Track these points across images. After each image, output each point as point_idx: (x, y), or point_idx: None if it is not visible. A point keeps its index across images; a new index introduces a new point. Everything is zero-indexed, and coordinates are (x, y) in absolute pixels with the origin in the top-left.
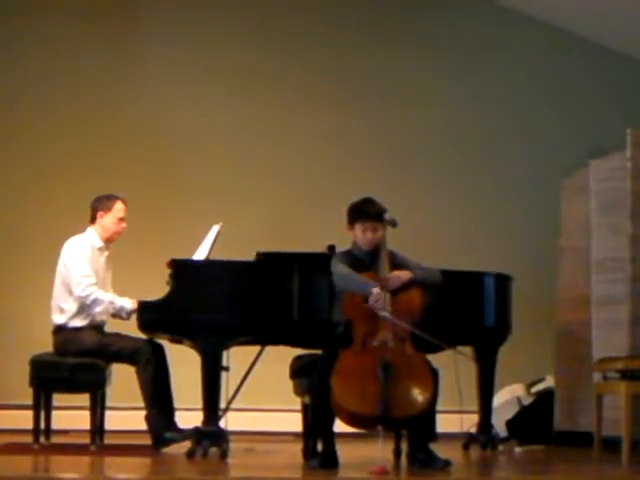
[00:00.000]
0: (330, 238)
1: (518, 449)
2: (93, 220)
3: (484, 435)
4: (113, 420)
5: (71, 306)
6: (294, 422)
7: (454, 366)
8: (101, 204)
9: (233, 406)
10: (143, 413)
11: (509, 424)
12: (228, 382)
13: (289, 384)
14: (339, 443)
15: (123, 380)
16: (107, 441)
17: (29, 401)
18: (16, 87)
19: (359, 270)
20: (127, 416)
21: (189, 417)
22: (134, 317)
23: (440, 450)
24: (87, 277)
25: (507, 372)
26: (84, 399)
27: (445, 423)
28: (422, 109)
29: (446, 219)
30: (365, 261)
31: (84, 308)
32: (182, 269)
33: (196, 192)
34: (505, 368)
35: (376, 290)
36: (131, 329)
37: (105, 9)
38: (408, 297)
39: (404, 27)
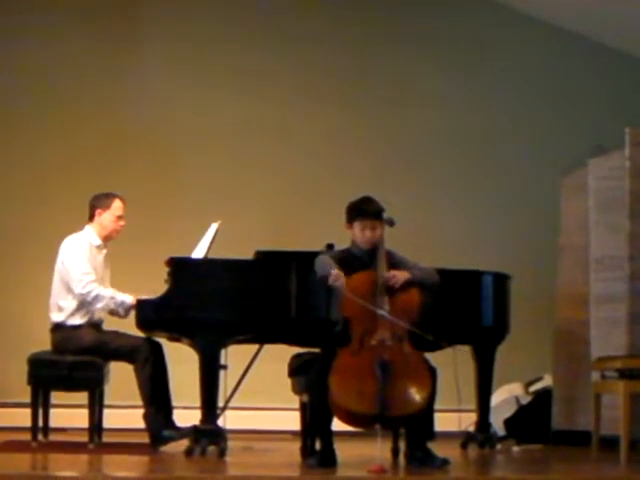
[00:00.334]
0: (329, 237)
1: (516, 448)
2: (91, 218)
3: (482, 434)
4: (111, 418)
5: (70, 304)
6: (292, 420)
7: (452, 365)
8: (99, 202)
9: (231, 404)
10: (141, 411)
11: (507, 423)
12: (226, 380)
13: (287, 382)
14: (337, 442)
15: (121, 378)
16: (105, 439)
17: (27, 399)
18: (15, 85)
19: (357, 269)
20: (125, 414)
21: (187, 415)
22: (132, 315)
23: (438, 449)
24: (87, 274)
25: (505, 371)
26: (82, 397)
27: (443, 422)
28: (421, 108)
29: (445, 218)
30: (363, 260)
31: (84, 305)
32: (180, 267)
33: (195, 190)
34: (503, 367)
35: (334, 270)
36: (129, 327)
37: (105, 7)
38: (406, 297)
39: (405, 26)
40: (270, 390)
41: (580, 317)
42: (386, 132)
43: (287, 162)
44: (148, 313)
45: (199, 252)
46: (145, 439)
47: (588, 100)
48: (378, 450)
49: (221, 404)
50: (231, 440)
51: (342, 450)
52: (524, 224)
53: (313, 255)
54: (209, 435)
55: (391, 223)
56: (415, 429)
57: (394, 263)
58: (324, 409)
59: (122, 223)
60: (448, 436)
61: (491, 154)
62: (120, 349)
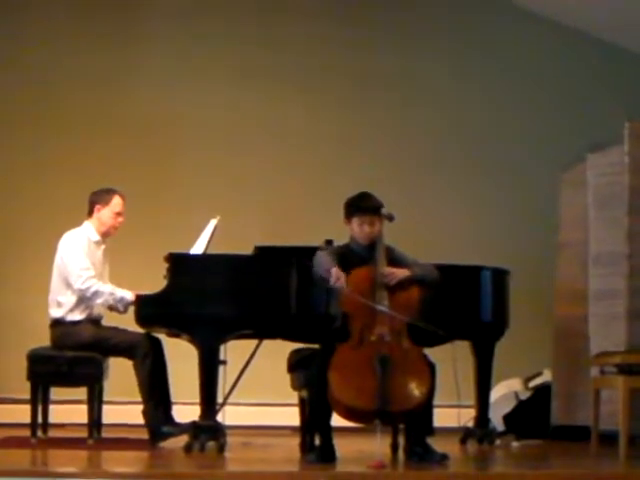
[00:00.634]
0: (328, 232)
1: (515, 443)
2: (90, 214)
3: (481, 429)
4: (110, 414)
5: (69, 300)
6: (291, 416)
7: (451, 360)
8: (99, 198)
9: (230, 400)
10: (140, 407)
11: (506, 418)
12: (225, 376)
13: (286, 378)
14: (336, 437)
15: (120, 374)
16: (104, 435)
17: (27, 395)
18: (14, 81)
19: (356, 264)
20: (124, 410)
21: (186, 411)
22: (131, 311)
23: (437, 444)
24: (86, 270)
25: (504, 366)
26: (81, 393)
27: (442, 417)
28: (420, 104)
29: (444, 213)
30: (362, 255)
31: (83, 301)
32: (179, 263)
33: (194, 186)
34: (502, 362)
35: (334, 269)
36: (129, 323)
37: (105, 4)
38: (406, 294)
39: (407, 24)
40: (269, 386)
41: (579, 313)
42: (385, 128)
43: (286, 158)
44: (147, 309)
45: (198, 248)
46: (144, 435)
47: (587, 96)
48: (377, 445)
49: (220, 400)
50: (230, 436)
51: (341, 446)
52: (523, 220)
53: (312, 250)
54: (208, 431)
55: (390, 218)
56: (414, 424)
57: (393, 259)
58: (323, 405)
59: (121, 220)
60: (447, 431)
61: (490, 150)
62: (119, 345)
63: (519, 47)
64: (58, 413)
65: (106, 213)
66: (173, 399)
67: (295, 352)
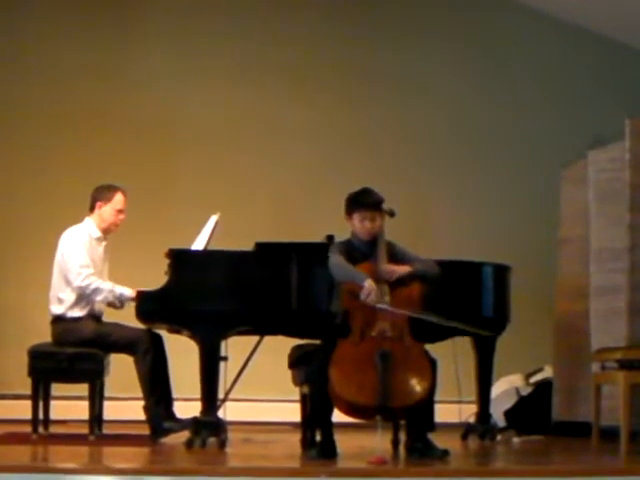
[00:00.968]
0: (330, 228)
1: (516, 439)
2: (92, 210)
3: (482, 425)
4: (112, 410)
5: (69, 296)
6: (292, 412)
7: (453, 356)
8: (101, 194)
9: (231, 396)
10: (141, 403)
11: (507, 414)
12: (226, 372)
13: (287, 374)
14: (337, 433)
15: (121, 370)
16: (106, 431)
17: (28, 391)
18: (14, 79)
19: (358, 260)
20: (125, 406)
21: (187, 407)
22: (130, 306)
23: (438, 440)
24: (86, 267)
25: (506, 362)
26: (83, 389)
27: (443, 413)
28: (422, 100)
29: (445, 209)
30: (364, 251)
31: (83, 298)
32: (180, 259)
33: (195, 182)
34: (504, 358)
35: (368, 283)
36: (130, 319)
37: (106, 1)
38: (407, 290)
39: (406, 20)
40: (270, 382)
41: (580, 308)
42: (387, 124)
43: (287, 155)
44: (148, 305)
45: (199, 244)
46: (145, 431)
47: (588, 93)
48: (378, 441)
49: (221, 396)
50: (231, 432)
51: (342, 441)
52: (524, 216)
53: (313, 246)
54: (209, 427)
55: (391, 214)
56: (415, 420)
57: (394, 254)
58: (324, 400)
59: (122, 217)
60: (448, 427)
61: (491, 146)
62: (120, 341)
63: (519, 44)
64: (59, 409)
65: (107, 210)
66: (174, 395)
67: (296, 348)
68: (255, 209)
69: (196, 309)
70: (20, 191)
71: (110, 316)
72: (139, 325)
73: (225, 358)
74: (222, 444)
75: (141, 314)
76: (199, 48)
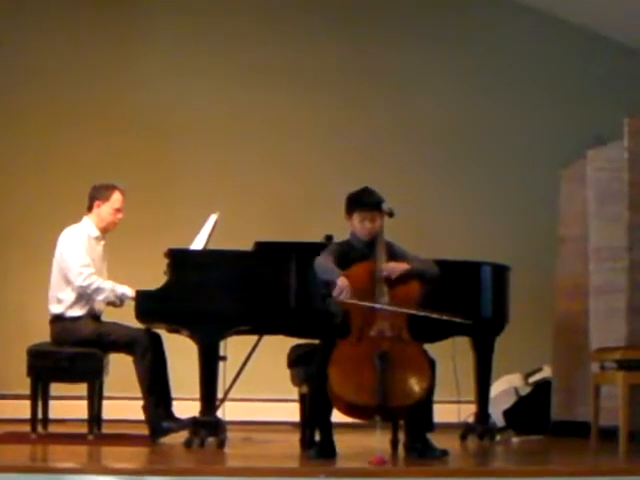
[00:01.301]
0: (329, 228)
1: (515, 439)
2: (90, 209)
3: (481, 425)
4: (111, 410)
5: (69, 296)
6: (292, 412)
7: (451, 356)
8: (99, 193)
9: (230, 396)
10: (140, 403)
11: (506, 414)
12: (225, 372)
13: (286, 374)
14: (336, 433)
15: (120, 370)
16: (104, 431)
17: (27, 391)
18: (14, 77)
19: (356, 260)
20: (124, 406)
21: (186, 407)
22: (129, 306)
23: (437, 440)
24: (87, 266)
25: (504, 362)
26: (82, 389)
27: (442, 413)
28: (420, 99)
29: (444, 209)
30: (363, 251)
31: (83, 297)
32: (179, 259)
33: (194, 182)
34: (502, 358)
35: (340, 280)
36: (129, 319)
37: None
38: (405, 288)
39: (406, 20)
40: (269, 381)
41: (579, 308)
42: (386, 125)
43: (286, 153)
44: (147, 304)
45: (198, 243)
46: (144, 430)
47: (587, 91)
48: (377, 441)
49: (220, 395)
50: (230, 431)
51: (341, 441)
52: (523, 215)
53: (312, 246)
54: (208, 426)
55: (391, 214)
56: (414, 420)
57: (394, 255)
58: (323, 400)
59: (120, 216)
60: (447, 427)
61: (490, 146)
62: (119, 340)
63: (518, 43)
64: (58, 409)
65: (105, 209)
66: (173, 395)
67: (295, 348)
68: (254, 209)
69: (195, 309)
70: (19, 190)
71: (109, 315)
72: (138, 325)
73: (224, 358)
74: (221, 444)
75: (140, 314)
76: (200, 48)
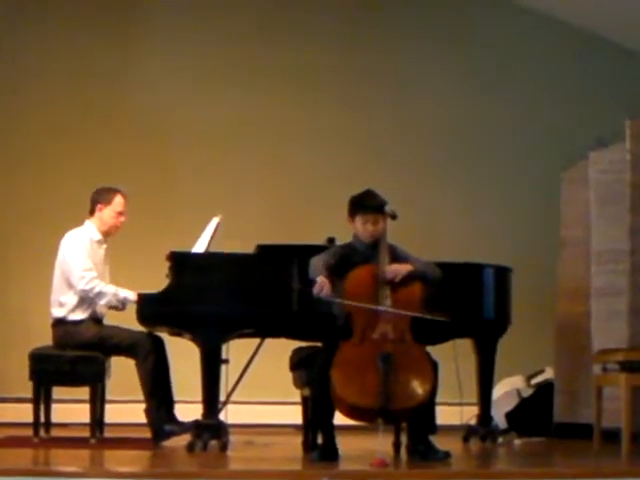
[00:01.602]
0: (331, 231)
1: (518, 441)
2: (92, 212)
3: (484, 427)
4: (113, 413)
5: (71, 299)
6: (294, 414)
7: (454, 358)
8: (101, 197)
9: (233, 399)
10: (143, 406)
11: (509, 416)
12: (228, 375)
13: (289, 376)
14: (339, 436)
15: (123, 373)
16: (107, 434)
17: (29, 394)
18: (14, 81)
19: (358, 263)
20: (127, 409)
21: (189, 410)
22: (131, 309)
23: (440, 442)
24: (89, 270)
25: (507, 364)
26: (84, 392)
27: (445, 415)
28: (421, 102)
29: (446, 211)
30: (365, 254)
31: (85, 301)
32: (181, 262)
33: (196, 185)
34: (505, 360)
35: (320, 278)
36: (131, 322)
37: (105, 2)
38: (408, 290)
39: (407, 21)
40: (272, 384)
41: (581, 310)
42: (386, 126)
43: (288, 156)
44: (149, 308)
45: (200, 246)
46: (147, 434)
47: (588, 93)
48: (380, 444)
49: (223, 398)
50: (233, 434)
51: (344, 444)
52: (525, 217)
53: (315, 249)
54: (211, 429)
55: (394, 216)
56: (417, 422)
57: (396, 257)
58: (326, 403)
59: (122, 219)
60: (450, 429)
61: (492, 148)
62: (121, 344)
63: (520, 45)
64: (60, 412)
65: (108, 212)
66: (175, 398)
67: (297, 350)
68: (256, 211)
69: (197, 312)
70: (21, 194)
71: (111, 318)
72: (140, 328)
73: (226, 361)
74: (224, 447)
75: (142, 317)
76: (200, 50)
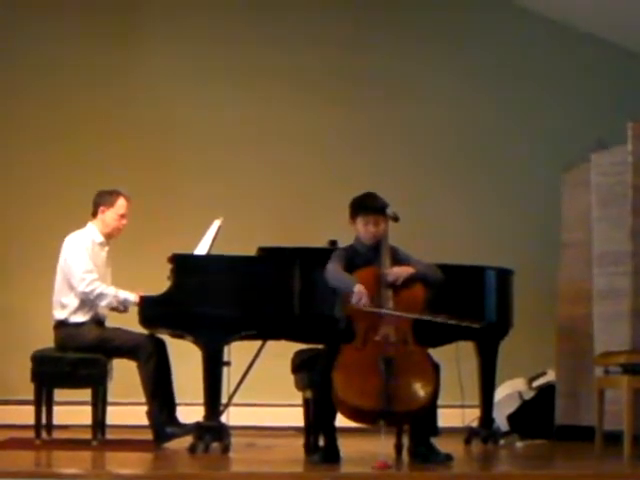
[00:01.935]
0: (333, 233)
1: (519, 443)
2: (94, 215)
3: (485, 429)
4: (115, 415)
5: (72, 301)
6: (296, 417)
7: (455, 361)
8: (103, 199)
9: (234, 401)
10: (144, 408)
11: (510, 418)
12: (229, 377)
13: (290, 379)
14: (341, 438)
15: (124, 375)
16: (109, 436)
17: (31, 396)
18: (16, 82)
19: (360, 265)
20: (128, 411)
21: (191, 412)
22: (133, 311)
23: (442, 444)
24: (90, 272)
25: (508, 366)
26: (86, 394)
27: (447, 417)
28: (423, 104)
29: (447, 214)
30: (367, 256)
31: (86, 303)
32: (183, 264)
33: (197, 187)
34: (506, 362)
35: (357, 288)
36: (132, 324)
37: (106, 4)
38: (410, 292)
39: (404, 23)
40: (273, 386)
41: (583, 312)
42: (388, 128)
43: (289, 158)
44: (151, 310)
45: (202, 249)
46: (149, 436)
47: (590, 95)
48: (381, 446)
49: (224, 400)
50: (234, 436)
51: (346, 446)
52: (526, 219)
53: (316, 251)
54: (212, 431)
55: (395, 218)
56: (419, 425)
57: (398, 259)
58: (328, 405)
59: (124, 222)
60: (451, 432)
61: (493, 150)
62: (123, 346)
63: (521, 46)
64: (62, 414)
65: (110, 215)
66: (177, 400)
67: (299, 353)
68: (258, 214)
69: (199, 314)
70: (22, 196)
71: (113, 321)
72: (142, 330)
73: (228, 363)
74: (225, 449)
75: (144, 319)
76: (201, 52)
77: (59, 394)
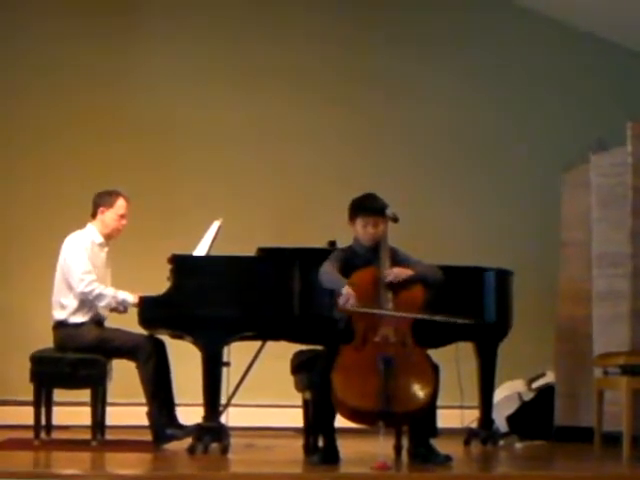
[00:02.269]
0: (333, 234)
1: (519, 444)
2: (94, 215)
3: (485, 430)
4: (114, 416)
5: (72, 302)
6: (295, 418)
7: (455, 361)
8: (103, 200)
9: (234, 402)
10: (144, 409)
11: (510, 419)
12: (229, 378)
13: (290, 380)
14: (340, 439)
15: (124, 376)
16: (108, 437)
17: (30, 397)
18: (16, 82)
19: (359, 266)
20: (128, 412)
21: (190, 413)
22: (133, 311)
23: (441, 445)
24: (89, 273)
25: (508, 367)
26: (85, 395)
27: (446, 418)
28: (422, 104)
29: (447, 214)
30: (366, 257)
31: (85, 304)
32: (183, 264)
33: (197, 188)
34: (506, 363)
35: (345, 289)
36: (132, 325)
37: (106, 4)
38: (410, 294)
39: (406, 23)
40: (273, 387)
41: (582, 313)
42: (388, 129)
43: (289, 159)
44: (151, 311)
45: (201, 249)
46: (148, 437)
47: (590, 96)
48: (381, 447)
49: (224, 401)
50: (234, 437)
51: (345, 447)
52: (526, 220)
53: (316, 252)
54: (212, 432)
55: (395, 219)
56: (418, 426)
57: (397, 260)
58: (327, 406)
59: (124, 222)
60: (451, 433)
61: (492, 150)
62: (123, 347)
63: (521, 47)
64: (61, 415)
65: (110, 215)
66: (177, 401)
67: (299, 354)
68: (258, 214)
69: (198, 315)
70: (22, 196)
71: (113, 321)
72: (141, 331)
73: (227, 364)
74: (225, 450)
75: (143, 320)
76: (201, 52)
77: (58, 394)
